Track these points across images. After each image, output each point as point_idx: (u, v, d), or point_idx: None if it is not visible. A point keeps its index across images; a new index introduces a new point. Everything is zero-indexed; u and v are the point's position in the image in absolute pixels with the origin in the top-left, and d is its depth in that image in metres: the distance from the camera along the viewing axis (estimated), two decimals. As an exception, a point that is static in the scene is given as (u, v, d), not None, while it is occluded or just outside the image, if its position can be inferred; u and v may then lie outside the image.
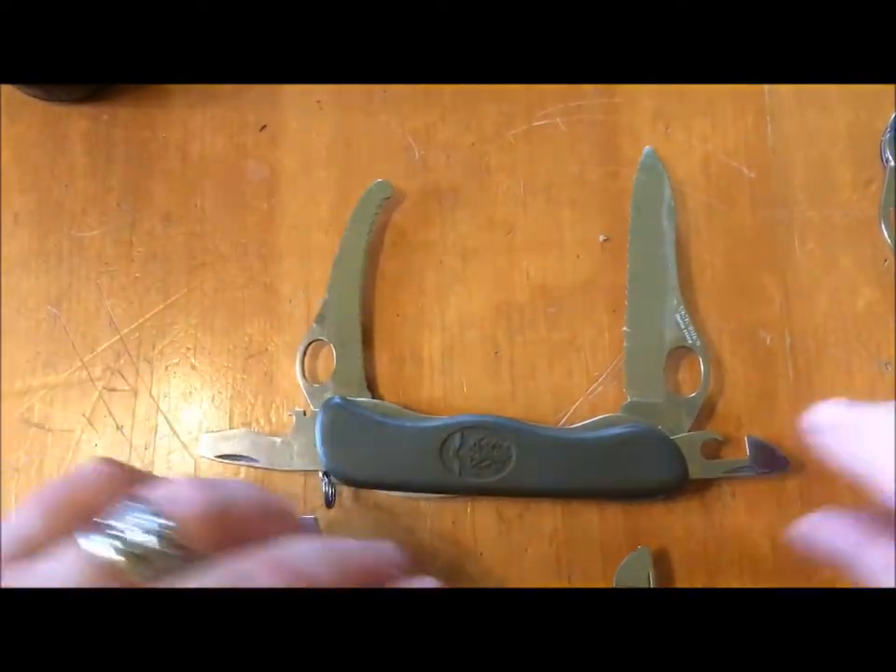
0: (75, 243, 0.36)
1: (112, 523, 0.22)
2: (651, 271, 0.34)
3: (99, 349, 0.35)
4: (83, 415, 0.34)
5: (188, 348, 0.35)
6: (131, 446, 0.34)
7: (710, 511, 0.32)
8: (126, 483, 0.24)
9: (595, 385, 0.33)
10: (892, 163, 0.34)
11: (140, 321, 0.35)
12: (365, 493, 0.33)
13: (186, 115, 0.37)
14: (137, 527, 0.21)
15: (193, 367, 0.34)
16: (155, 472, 0.33)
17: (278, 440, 0.32)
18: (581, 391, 0.33)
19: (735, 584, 0.31)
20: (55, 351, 0.35)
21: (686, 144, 0.36)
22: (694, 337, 0.33)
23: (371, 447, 0.31)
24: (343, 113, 0.36)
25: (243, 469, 0.33)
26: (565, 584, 0.32)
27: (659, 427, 0.31)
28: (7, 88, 0.37)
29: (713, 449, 0.32)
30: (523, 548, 0.32)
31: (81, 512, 0.22)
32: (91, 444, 0.34)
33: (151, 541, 0.21)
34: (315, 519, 0.31)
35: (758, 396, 0.33)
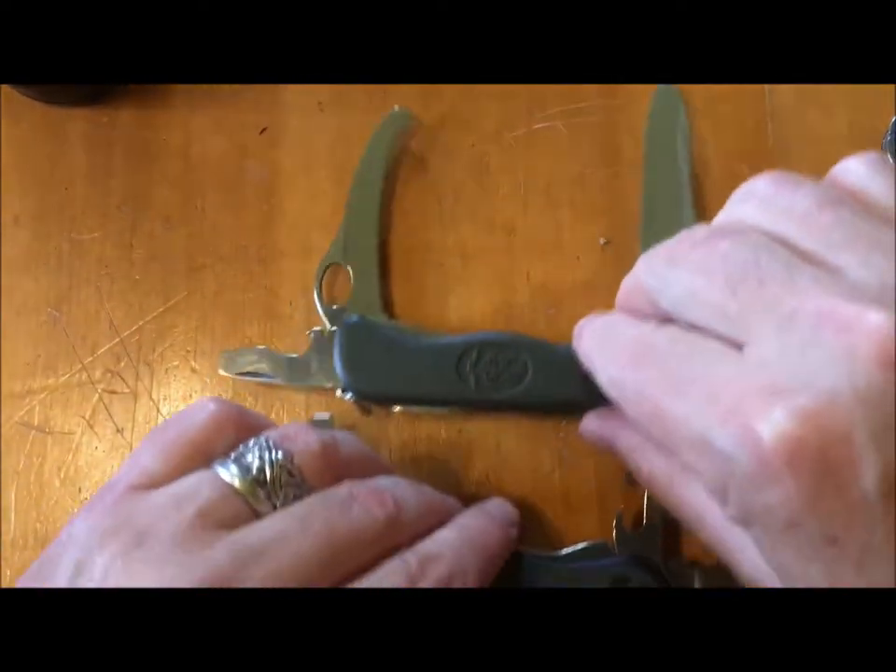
0: (75, 245, 0.36)
1: (238, 454, 0.24)
2: (666, 194, 0.34)
3: (99, 352, 0.35)
4: (83, 418, 0.34)
5: (188, 351, 0.35)
6: (131, 449, 0.34)
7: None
8: (237, 421, 0.25)
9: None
10: (893, 165, 0.34)
11: (140, 324, 0.35)
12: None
13: (186, 117, 0.37)
14: (261, 459, 0.23)
15: (193, 370, 0.34)
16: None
17: (296, 357, 0.33)
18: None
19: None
20: (55, 353, 0.35)
21: (686, 144, 0.35)
22: None
23: (389, 364, 0.31)
24: (343, 113, 0.36)
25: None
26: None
27: None
28: (6, 89, 0.37)
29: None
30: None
31: (193, 450, 0.24)
32: (91, 447, 0.34)
33: (273, 471, 0.23)
34: (331, 416, 0.31)
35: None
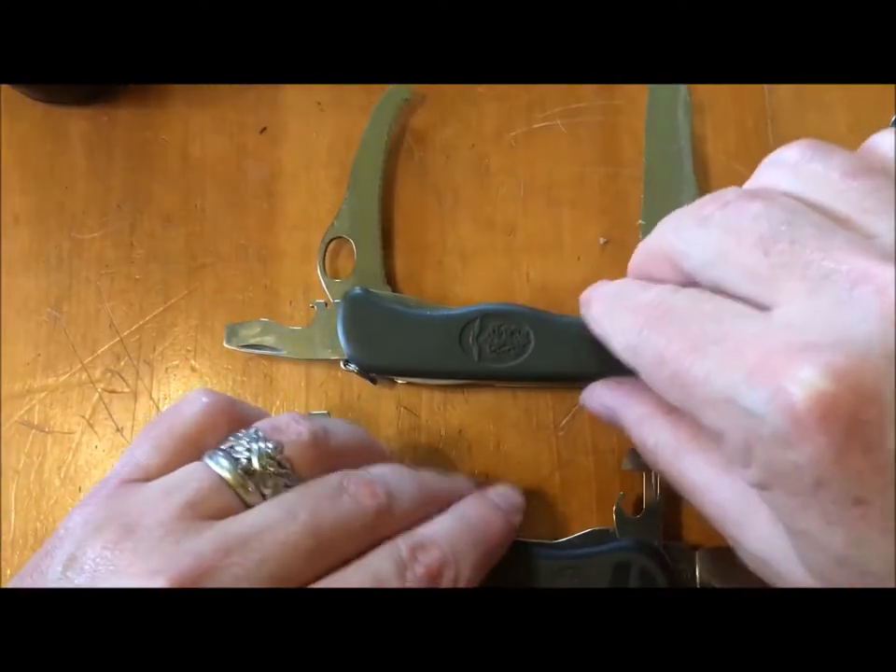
0: (75, 244, 0.36)
1: (228, 446, 0.24)
2: (667, 163, 0.34)
3: (99, 351, 0.35)
4: (83, 417, 0.34)
5: (188, 350, 0.35)
6: (131, 448, 0.34)
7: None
8: (229, 413, 0.26)
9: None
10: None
11: (140, 323, 0.35)
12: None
13: (186, 116, 0.37)
14: (249, 451, 0.24)
15: (193, 369, 0.34)
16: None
17: (299, 329, 0.33)
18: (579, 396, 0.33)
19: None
20: (55, 353, 0.35)
21: (686, 145, 0.35)
22: None
23: (392, 335, 0.31)
24: (343, 113, 0.36)
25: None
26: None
27: None
28: (7, 89, 0.37)
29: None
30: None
31: (186, 443, 0.24)
32: (91, 446, 0.34)
33: (262, 462, 0.24)
34: (328, 413, 0.32)
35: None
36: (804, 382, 0.18)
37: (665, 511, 0.31)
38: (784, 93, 0.36)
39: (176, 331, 0.35)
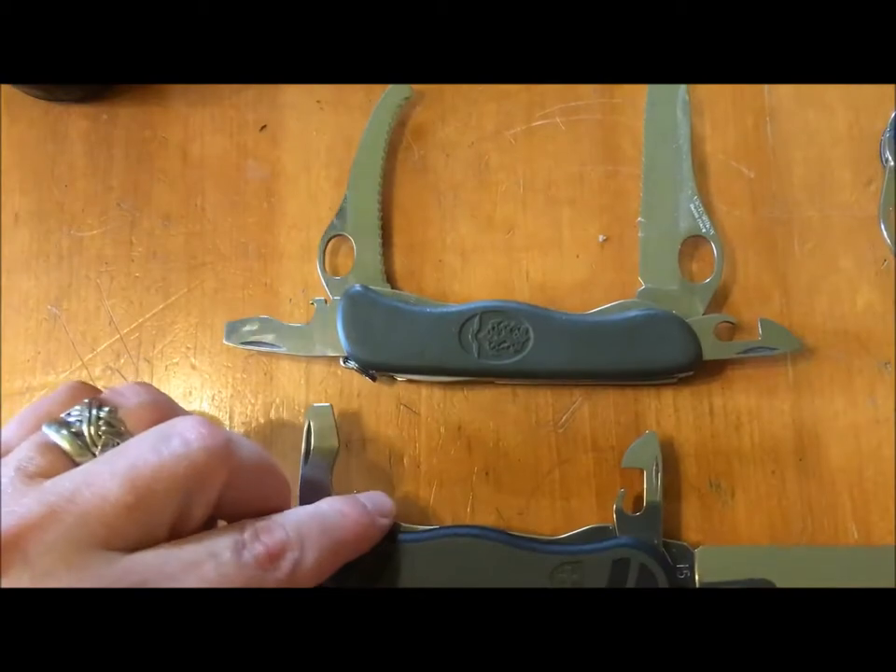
0: (75, 242, 0.36)
1: (66, 414, 0.25)
2: (666, 161, 0.34)
3: (99, 349, 0.35)
4: (83, 415, 0.34)
5: (188, 348, 0.35)
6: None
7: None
8: (93, 392, 0.27)
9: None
10: (892, 163, 0.34)
11: (140, 321, 0.35)
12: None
13: (186, 114, 0.37)
14: (82, 415, 0.25)
15: (193, 366, 0.34)
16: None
17: (299, 326, 0.33)
18: (578, 394, 0.33)
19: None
20: (55, 351, 0.35)
21: (686, 143, 0.36)
22: (708, 225, 0.33)
23: (392, 333, 0.32)
24: (343, 112, 0.36)
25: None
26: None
27: (674, 311, 0.32)
28: (6, 88, 0.37)
29: (727, 333, 0.33)
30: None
31: (47, 418, 0.25)
32: (90, 444, 0.34)
33: (92, 424, 0.24)
34: (330, 406, 0.31)
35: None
36: None
37: (664, 509, 0.31)
38: (783, 93, 0.36)
39: (176, 329, 0.35)
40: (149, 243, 0.36)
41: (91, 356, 0.35)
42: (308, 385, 0.34)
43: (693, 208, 0.34)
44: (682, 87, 0.35)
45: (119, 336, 0.35)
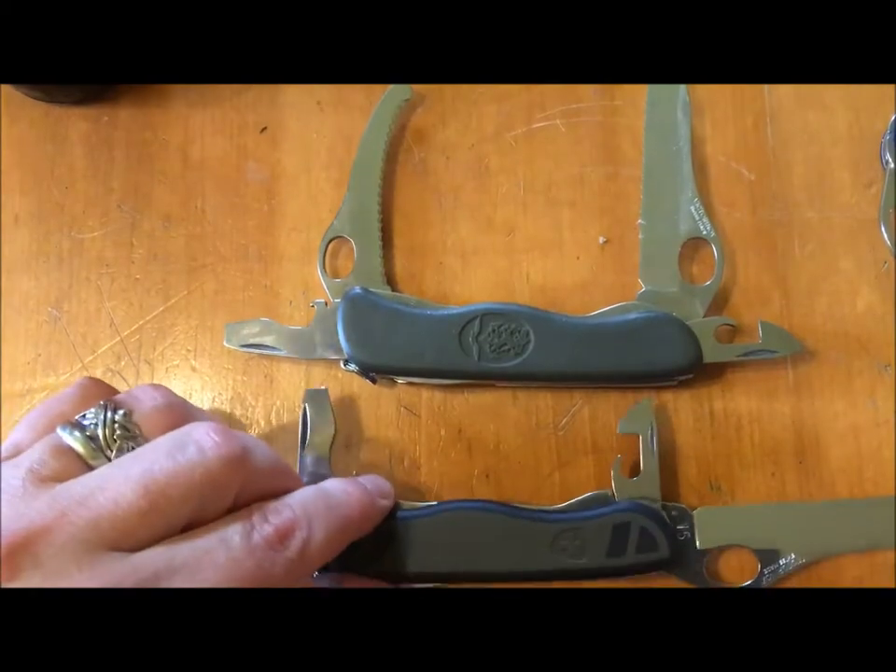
0: (75, 244, 0.36)
1: (81, 416, 0.25)
2: (666, 163, 0.34)
3: (99, 351, 0.35)
4: (84, 417, 0.34)
5: (188, 350, 0.35)
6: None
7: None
8: (107, 392, 0.26)
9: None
10: (892, 165, 0.34)
11: (140, 323, 0.35)
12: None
13: (186, 116, 0.37)
14: (97, 417, 0.24)
15: (194, 369, 0.34)
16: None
17: (299, 329, 0.33)
18: (578, 397, 0.34)
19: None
20: (55, 353, 0.35)
21: (686, 145, 0.36)
22: (708, 228, 0.33)
23: (392, 335, 0.32)
24: (343, 113, 0.36)
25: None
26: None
27: (674, 314, 0.32)
28: (7, 88, 0.37)
29: (727, 336, 0.33)
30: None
31: (59, 420, 0.25)
32: (91, 446, 0.34)
33: (107, 426, 0.24)
34: (326, 389, 0.32)
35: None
36: None
37: (662, 472, 0.31)
38: (784, 93, 0.36)
39: (177, 331, 0.35)
40: (150, 244, 0.36)
41: (91, 358, 0.35)
42: (308, 386, 0.34)
43: (693, 210, 0.34)
44: (682, 87, 0.35)
45: (119, 338, 0.35)
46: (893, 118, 0.35)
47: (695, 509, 0.31)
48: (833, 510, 0.32)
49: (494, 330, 0.32)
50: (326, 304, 0.33)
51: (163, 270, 0.35)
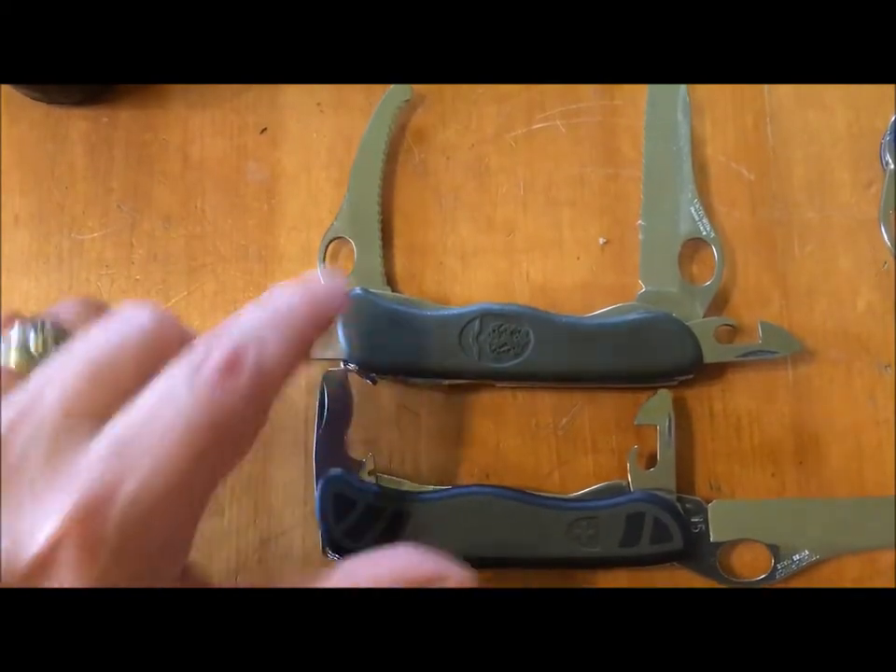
0: (75, 245, 0.36)
1: (11, 334, 0.25)
2: (666, 163, 0.34)
3: (100, 351, 0.35)
4: (84, 417, 0.34)
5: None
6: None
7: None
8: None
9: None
10: (892, 166, 0.34)
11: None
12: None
13: (186, 117, 0.37)
14: (32, 332, 0.24)
15: (194, 368, 0.34)
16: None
17: None
18: (579, 397, 0.34)
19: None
20: (55, 353, 0.35)
21: (686, 145, 0.36)
22: (708, 228, 0.33)
23: (392, 335, 0.32)
24: (344, 113, 0.36)
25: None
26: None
27: (674, 314, 0.32)
28: (7, 88, 0.37)
29: (727, 336, 0.33)
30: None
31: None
32: (91, 446, 0.34)
33: (39, 340, 0.24)
34: (345, 370, 0.32)
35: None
36: None
37: (678, 464, 0.31)
38: (784, 93, 0.36)
39: (177, 331, 0.35)
40: (150, 245, 0.36)
41: (91, 358, 0.35)
42: (308, 388, 0.34)
43: (693, 211, 0.34)
44: (682, 87, 0.35)
45: (119, 338, 0.35)
46: (893, 118, 0.35)
47: (710, 502, 0.31)
48: (852, 506, 0.32)
49: (494, 330, 0.32)
50: None
51: (163, 270, 0.35)
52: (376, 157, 0.35)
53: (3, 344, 0.24)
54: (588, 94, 0.36)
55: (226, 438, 0.22)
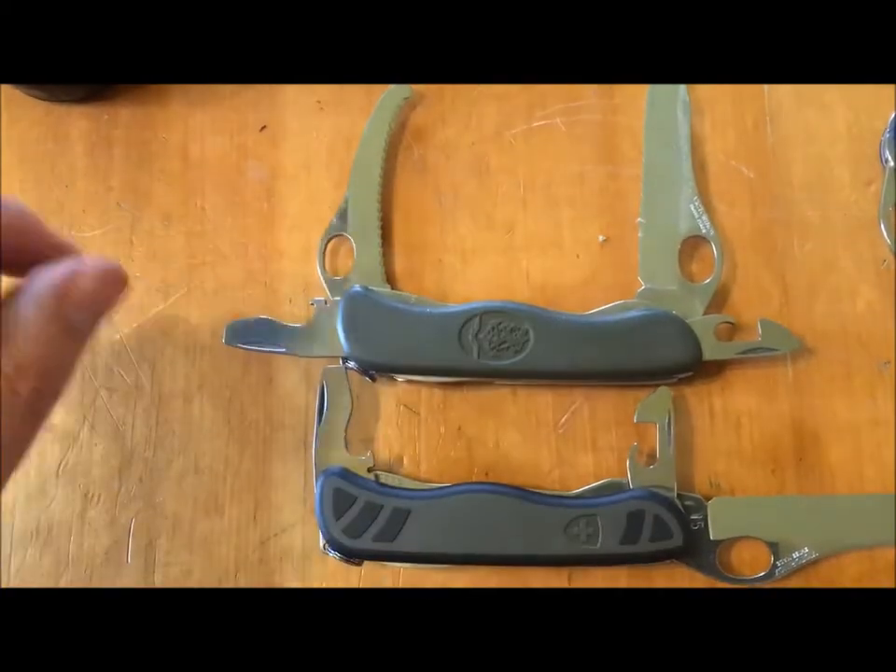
0: (75, 242, 0.36)
1: None
2: (666, 162, 0.34)
3: (99, 349, 0.35)
4: (83, 415, 0.34)
5: (188, 348, 0.35)
6: (131, 446, 0.34)
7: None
8: None
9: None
10: (892, 164, 0.34)
11: (140, 321, 0.35)
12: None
13: (186, 115, 0.37)
14: None
15: (194, 367, 0.34)
16: (155, 473, 0.33)
17: (299, 327, 0.33)
18: (578, 395, 0.34)
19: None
20: (55, 351, 0.35)
21: (686, 144, 0.36)
22: (708, 226, 0.33)
23: (392, 333, 0.32)
24: (343, 113, 0.36)
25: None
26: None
27: (673, 312, 0.32)
28: (6, 88, 0.37)
29: (727, 334, 0.33)
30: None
31: None
32: (91, 444, 0.34)
33: None
34: (343, 367, 0.32)
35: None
36: None
37: (678, 462, 0.31)
38: (783, 93, 0.36)
39: (176, 330, 0.35)
40: (150, 243, 0.36)
41: (91, 356, 0.35)
42: (308, 386, 0.34)
43: (692, 208, 0.34)
44: (682, 87, 0.35)
45: (119, 336, 0.35)
46: (893, 116, 0.35)
47: (710, 499, 0.32)
48: (852, 504, 0.32)
49: (493, 328, 0.32)
50: (325, 302, 0.33)
51: (163, 268, 0.35)
52: (376, 155, 0.35)
53: None
54: (588, 93, 0.36)
55: None
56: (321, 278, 0.34)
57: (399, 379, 0.33)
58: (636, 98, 0.36)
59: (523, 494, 0.31)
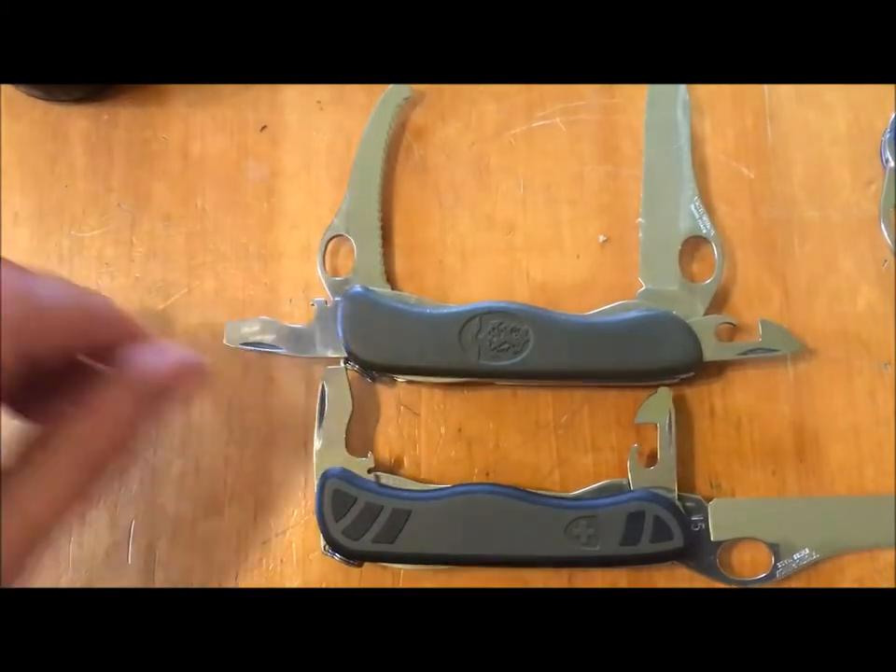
0: (75, 243, 0.36)
1: None
2: (666, 162, 0.34)
3: (99, 349, 0.35)
4: (83, 415, 0.34)
5: (188, 349, 0.35)
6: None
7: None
8: None
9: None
10: (892, 164, 0.34)
11: (140, 321, 0.35)
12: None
13: (186, 115, 0.37)
14: None
15: (193, 367, 0.34)
16: (156, 474, 0.33)
17: (299, 327, 0.33)
18: (578, 395, 0.34)
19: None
20: (55, 351, 0.35)
21: (686, 144, 0.36)
22: (708, 226, 0.33)
23: (392, 333, 0.32)
24: (344, 112, 0.36)
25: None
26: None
27: (674, 312, 0.32)
28: (7, 88, 0.37)
29: (727, 334, 0.33)
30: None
31: None
32: (91, 444, 0.34)
33: None
34: (344, 368, 0.32)
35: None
36: None
37: (678, 463, 0.31)
38: (784, 93, 0.36)
39: (177, 330, 0.35)
40: (150, 243, 0.36)
41: (91, 356, 0.35)
42: (308, 386, 0.34)
43: (693, 209, 0.34)
44: (682, 87, 0.35)
45: (119, 336, 0.35)
46: (893, 116, 0.35)
47: (711, 500, 0.32)
48: (852, 505, 0.32)
49: (493, 329, 0.32)
50: (326, 303, 0.33)
51: (163, 268, 0.35)
52: (376, 155, 0.35)
53: None
54: (588, 93, 0.36)
55: None
56: (321, 278, 0.34)
57: (400, 379, 0.33)
58: (636, 98, 0.36)
59: (523, 495, 0.31)
